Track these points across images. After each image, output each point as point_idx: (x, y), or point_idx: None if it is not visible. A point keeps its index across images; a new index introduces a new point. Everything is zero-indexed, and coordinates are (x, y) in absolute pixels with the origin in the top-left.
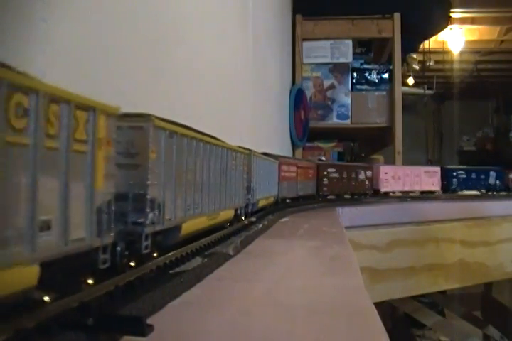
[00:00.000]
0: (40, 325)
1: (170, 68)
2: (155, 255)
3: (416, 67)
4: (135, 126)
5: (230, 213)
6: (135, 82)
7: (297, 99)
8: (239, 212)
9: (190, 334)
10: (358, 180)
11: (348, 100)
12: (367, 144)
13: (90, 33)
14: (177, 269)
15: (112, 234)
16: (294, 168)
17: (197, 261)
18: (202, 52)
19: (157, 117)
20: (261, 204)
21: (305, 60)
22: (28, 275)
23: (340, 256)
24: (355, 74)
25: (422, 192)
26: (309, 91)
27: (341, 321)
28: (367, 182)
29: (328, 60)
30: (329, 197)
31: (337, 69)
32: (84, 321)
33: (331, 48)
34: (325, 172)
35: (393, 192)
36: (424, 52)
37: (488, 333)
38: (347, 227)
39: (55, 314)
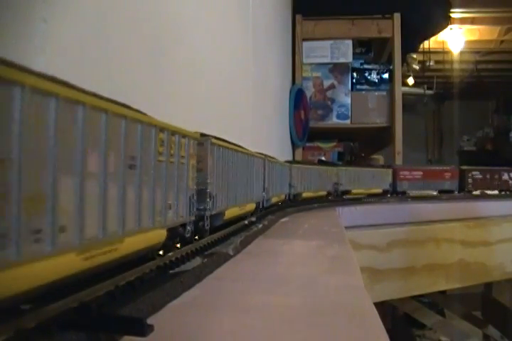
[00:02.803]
0: (40, 325)
1: (170, 68)
2: None
3: (416, 67)
4: None
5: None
6: (135, 82)
7: (297, 99)
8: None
9: (190, 334)
10: (501, 180)
11: (348, 100)
12: (367, 144)
13: (90, 32)
14: (177, 269)
15: None
16: (419, 172)
17: (197, 261)
18: (202, 52)
19: None
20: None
21: (305, 60)
22: None
23: (340, 255)
24: (355, 74)
25: None
26: (309, 91)
27: (341, 321)
28: (510, 182)
29: (328, 60)
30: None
31: (337, 69)
32: (84, 321)
33: (331, 48)
34: (470, 174)
35: None
36: (424, 52)
37: (488, 333)
38: (347, 227)
39: (55, 314)
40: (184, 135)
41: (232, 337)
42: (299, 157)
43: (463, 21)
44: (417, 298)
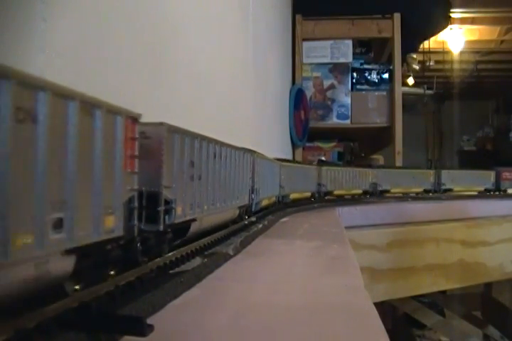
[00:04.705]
0: (40, 325)
1: (170, 68)
2: None
3: (416, 67)
4: None
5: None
6: (135, 82)
7: (297, 99)
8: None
9: (190, 334)
10: None
11: (348, 100)
12: (367, 144)
13: (90, 33)
14: (177, 269)
15: None
16: None
17: (197, 261)
18: (202, 53)
19: None
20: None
21: (305, 60)
22: None
23: (340, 256)
24: (355, 74)
25: None
26: (309, 91)
27: (341, 321)
28: None
29: (328, 60)
30: None
31: (337, 69)
32: (84, 321)
33: (331, 48)
34: None
35: None
36: (424, 52)
37: (488, 333)
38: (347, 227)
39: (55, 314)
40: None
41: (232, 336)
42: (299, 157)
43: (463, 21)
44: (417, 298)
